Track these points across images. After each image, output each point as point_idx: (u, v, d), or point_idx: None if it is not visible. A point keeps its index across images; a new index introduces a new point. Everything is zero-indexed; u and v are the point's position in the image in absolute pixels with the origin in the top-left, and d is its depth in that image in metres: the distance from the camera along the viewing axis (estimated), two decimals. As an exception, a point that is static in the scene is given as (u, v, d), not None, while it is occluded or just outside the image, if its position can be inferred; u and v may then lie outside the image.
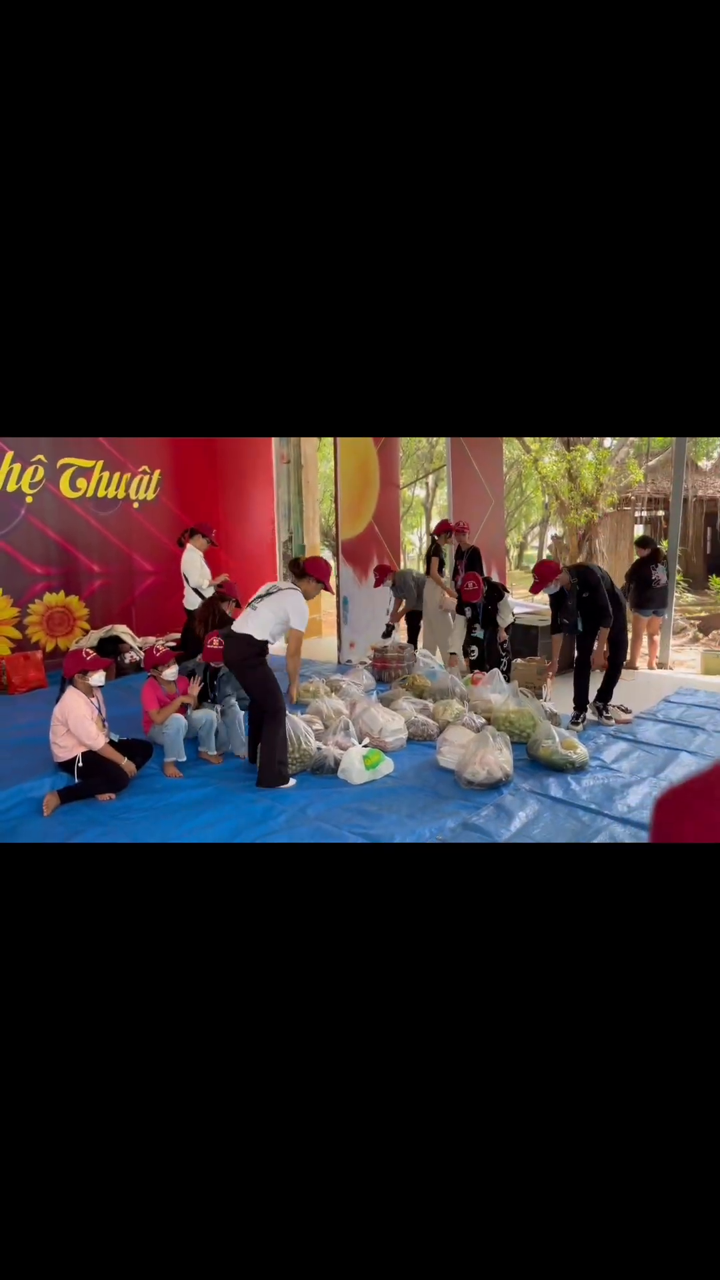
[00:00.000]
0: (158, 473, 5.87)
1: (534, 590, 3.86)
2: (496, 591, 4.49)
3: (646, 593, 5.30)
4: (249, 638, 3.03)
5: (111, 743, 3.11)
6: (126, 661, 5.13)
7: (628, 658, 5.48)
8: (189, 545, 4.60)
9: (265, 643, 3.05)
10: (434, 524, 6.87)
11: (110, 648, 5.12)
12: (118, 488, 5.59)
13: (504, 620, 4.50)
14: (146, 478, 5.80)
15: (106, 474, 5.48)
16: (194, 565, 4.55)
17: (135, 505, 5.75)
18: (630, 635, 5.42)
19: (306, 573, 3.18)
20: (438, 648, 5.17)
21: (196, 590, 4.54)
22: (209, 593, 4.48)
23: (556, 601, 3.91)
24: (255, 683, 3.08)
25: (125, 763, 3.07)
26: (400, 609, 5.35)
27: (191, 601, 4.58)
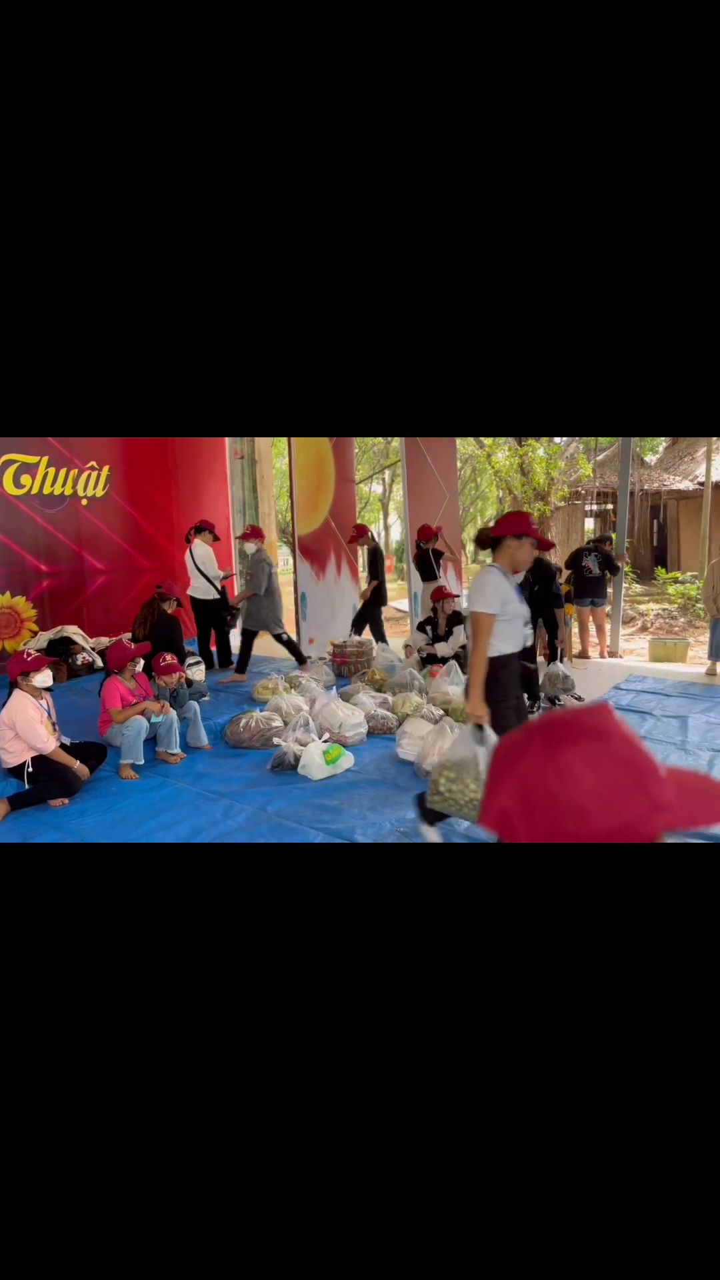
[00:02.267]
0: (106, 469, 5.71)
1: (494, 533, 2.41)
2: (457, 619, 4.55)
3: (581, 583, 5.46)
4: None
5: (63, 746, 3.02)
6: (79, 663, 4.98)
7: (580, 648, 5.64)
8: (196, 540, 4.93)
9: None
10: (394, 522, 6.89)
11: (61, 649, 4.97)
12: (65, 484, 5.41)
13: (453, 644, 4.51)
14: (95, 474, 5.63)
15: (52, 470, 5.29)
16: (209, 559, 4.93)
17: (84, 502, 5.58)
18: (576, 626, 5.58)
19: (497, 537, 2.26)
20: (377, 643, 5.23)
21: (212, 582, 4.90)
22: (220, 587, 4.95)
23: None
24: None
25: (78, 766, 2.99)
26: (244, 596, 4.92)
27: (208, 593, 4.96)
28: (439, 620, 4.67)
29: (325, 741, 3.34)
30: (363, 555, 5.78)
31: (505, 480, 9.29)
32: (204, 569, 4.90)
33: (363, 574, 5.78)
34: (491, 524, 2.41)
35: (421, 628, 4.69)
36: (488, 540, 2.36)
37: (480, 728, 2.17)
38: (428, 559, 5.46)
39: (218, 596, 5.03)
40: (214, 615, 5.13)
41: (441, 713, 3.71)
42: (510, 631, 2.26)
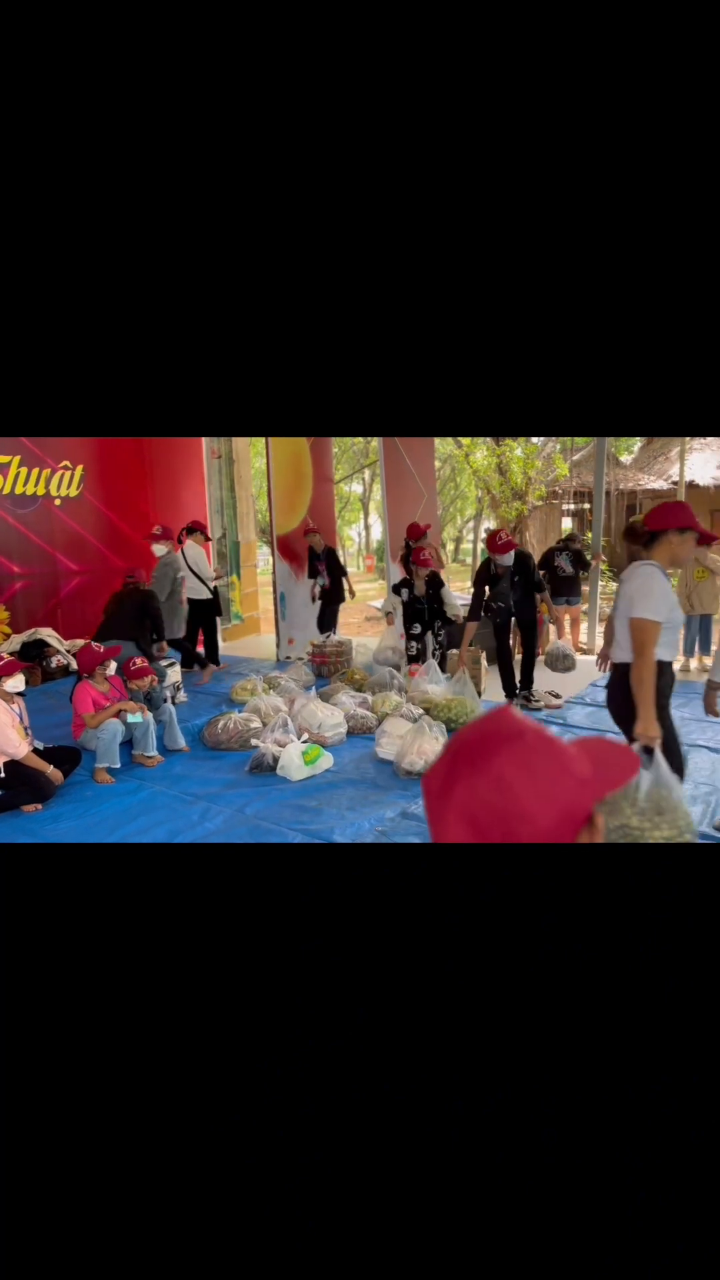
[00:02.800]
0: (80, 468, 5.62)
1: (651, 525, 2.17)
2: (436, 580, 4.55)
3: (555, 582, 5.52)
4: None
5: (36, 751, 2.97)
6: (53, 666, 4.90)
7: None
8: (188, 541, 4.99)
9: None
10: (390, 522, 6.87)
11: (34, 652, 4.88)
12: (37, 484, 5.31)
13: (451, 611, 4.56)
14: (68, 473, 5.54)
15: (24, 470, 5.20)
16: (201, 560, 5.01)
17: (57, 502, 5.49)
18: (552, 625, 5.64)
19: (655, 530, 2.02)
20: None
21: (204, 581, 4.97)
22: (214, 584, 5.03)
23: (485, 584, 3.97)
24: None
25: (51, 771, 2.93)
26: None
27: (200, 592, 5.03)
28: (415, 582, 4.54)
29: (304, 742, 3.32)
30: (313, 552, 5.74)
31: (484, 480, 9.35)
32: (196, 569, 4.96)
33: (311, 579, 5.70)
34: (647, 516, 2.08)
35: (397, 589, 4.64)
36: (643, 534, 2.05)
37: (650, 751, 1.84)
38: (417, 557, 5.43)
39: (210, 596, 5.08)
40: (205, 615, 5.16)
41: (420, 711, 3.72)
42: (670, 639, 1.98)
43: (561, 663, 4.46)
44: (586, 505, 10.93)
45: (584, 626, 5.94)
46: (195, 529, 5.11)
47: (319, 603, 5.63)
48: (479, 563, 4.19)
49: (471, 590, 4.18)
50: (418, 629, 4.53)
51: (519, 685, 4.13)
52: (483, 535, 15.33)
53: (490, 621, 4.14)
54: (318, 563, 5.60)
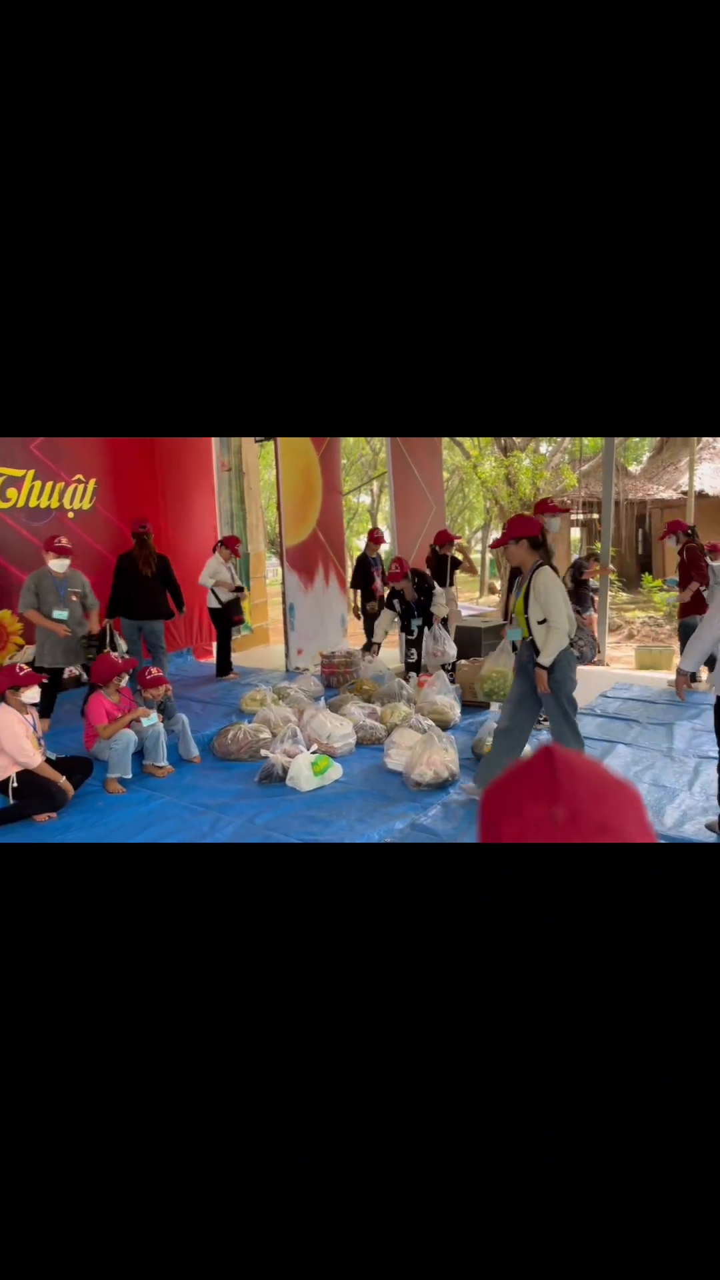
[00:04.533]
0: (93, 481, 5.69)
1: (499, 543, 3.28)
2: (425, 583, 4.52)
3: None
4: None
5: (49, 760, 3.00)
6: (65, 677, 4.94)
7: None
8: (214, 554, 5.24)
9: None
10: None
11: (47, 663, 4.92)
12: (51, 497, 5.39)
13: (439, 611, 4.53)
14: (81, 486, 5.62)
15: (39, 483, 5.28)
16: (219, 571, 5.18)
17: (70, 515, 5.56)
18: None
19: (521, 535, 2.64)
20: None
21: (214, 592, 5.17)
22: (226, 597, 5.13)
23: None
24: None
25: (63, 782, 2.96)
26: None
27: (212, 601, 5.20)
28: (405, 589, 4.47)
29: (313, 752, 3.33)
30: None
31: (491, 490, 9.38)
32: (212, 579, 5.19)
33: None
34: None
35: (389, 603, 4.59)
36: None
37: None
38: (444, 565, 5.38)
39: (220, 605, 5.22)
40: (219, 623, 5.31)
41: (430, 723, 3.72)
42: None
43: (590, 644, 4.40)
44: (595, 516, 10.92)
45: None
46: (223, 544, 5.33)
47: (363, 617, 5.65)
48: (502, 570, 4.13)
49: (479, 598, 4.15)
50: (414, 635, 4.53)
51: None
52: (490, 543, 15.31)
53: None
54: (373, 570, 5.55)
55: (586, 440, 10.72)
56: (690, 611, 4.81)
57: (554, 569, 2.68)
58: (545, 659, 2.62)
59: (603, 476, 6.20)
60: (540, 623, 2.62)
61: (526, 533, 2.65)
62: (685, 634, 4.87)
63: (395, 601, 4.51)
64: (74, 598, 3.97)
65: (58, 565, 3.87)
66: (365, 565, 5.84)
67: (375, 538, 6.13)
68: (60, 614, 3.89)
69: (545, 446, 10.88)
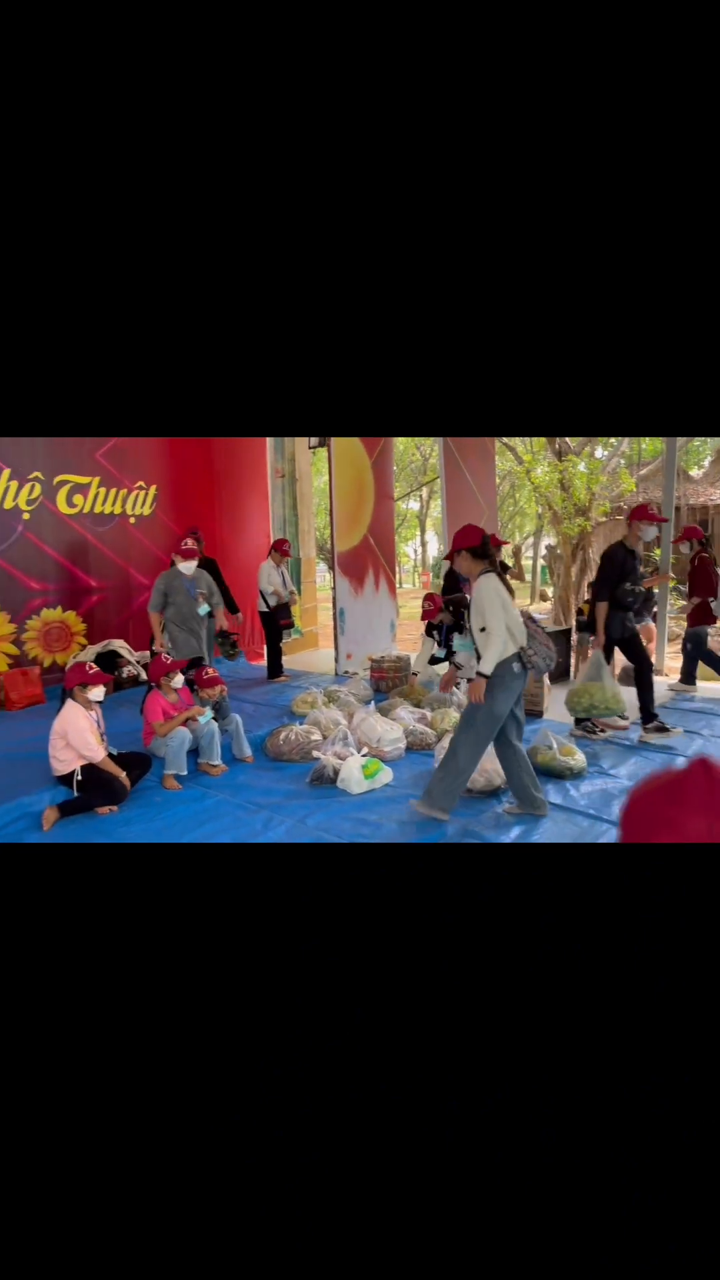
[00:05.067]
0: (154, 488, 5.91)
1: (449, 555, 3.11)
2: (462, 603, 4.47)
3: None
4: None
5: (111, 756, 3.12)
6: (124, 676, 5.13)
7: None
8: (268, 558, 5.36)
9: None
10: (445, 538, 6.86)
11: (108, 663, 5.13)
12: (114, 503, 5.62)
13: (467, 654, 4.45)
14: (143, 493, 5.84)
15: (103, 490, 5.51)
16: (271, 575, 5.28)
17: (132, 520, 5.78)
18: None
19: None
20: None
21: (264, 596, 5.28)
22: (273, 601, 5.24)
23: (620, 568, 3.67)
24: None
25: (123, 776, 3.07)
26: None
27: (262, 605, 5.30)
28: (445, 619, 4.38)
29: (364, 756, 3.35)
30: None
31: (545, 496, 9.21)
32: (263, 583, 5.31)
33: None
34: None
35: (430, 633, 4.55)
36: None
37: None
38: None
39: (268, 609, 5.31)
40: (268, 627, 5.41)
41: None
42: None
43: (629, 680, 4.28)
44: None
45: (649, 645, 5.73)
46: (274, 548, 5.41)
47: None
48: (554, 576, 4.03)
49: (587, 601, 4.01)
50: (440, 651, 4.45)
51: (643, 718, 3.74)
52: (542, 552, 15.04)
53: (561, 639, 3.99)
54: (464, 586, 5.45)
55: (645, 443, 10.40)
56: (698, 621, 4.66)
57: (501, 576, 2.65)
58: (484, 666, 2.58)
59: (663, 481, 6.01)
60: (481, 630, 2.59)
61: (466, 544, 2.66)
62: (696, 643, 4.68)
63: (435, 631, 4.48)
64: (201, 597, 4.10)
65: (185, 567, 3.99)
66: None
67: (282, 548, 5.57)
68: (203, 610, 4.07)
69: (601, 450, 10.62)
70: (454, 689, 4.25)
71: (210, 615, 4.15)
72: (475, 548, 2.65)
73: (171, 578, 4.04)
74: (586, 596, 6.16)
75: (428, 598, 4.51)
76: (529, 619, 2.74)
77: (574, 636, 5.66)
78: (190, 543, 4.15)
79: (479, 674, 2.61)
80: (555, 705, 4.40)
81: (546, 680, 4.44)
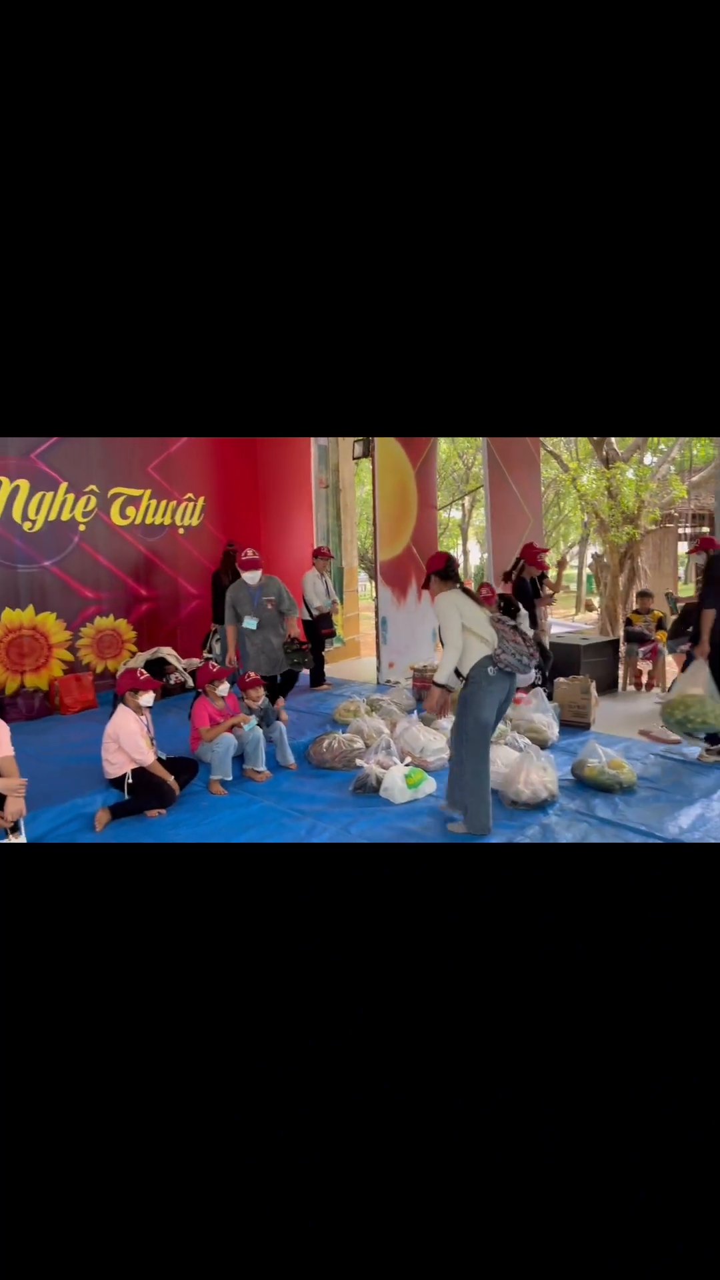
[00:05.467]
0: (202, 499, 6.07)
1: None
2: (510, 605, 4.48)
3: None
4: None
5: (160, 760, 3.20)
6: (172, 682, 5.27)
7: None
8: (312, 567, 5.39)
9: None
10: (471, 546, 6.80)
11: (157, 669, 5.27)
12: (164, 514, 5.80)
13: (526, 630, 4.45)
14: (191, 504, 6.00)
15: (154, 502, 5.69)
16: (314, 584, 5.35)
17: (181, 531, 5.95)
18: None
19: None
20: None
21: (307, 606, 5.31)
22: (316, 611, 5.27)
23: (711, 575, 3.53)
24: None
25: (172, 780, 3.15)
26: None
27: (305, 614, 5.32)
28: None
29: (407, 765, 3.34)
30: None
31: (591, 504, 9.04)
32: (306, 592, 5.37)
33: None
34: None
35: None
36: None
37: None
38: (527, 585, 5.07)
39: (310, 618, 5.35)
40: (310, 635, 5.45)
41: (526, 741, 3.63)
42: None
43: None
44: (705, 529, 10.23)
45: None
46: (316, 555, 5.49)
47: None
48: (600, 585, 3.98)
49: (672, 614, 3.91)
50: None
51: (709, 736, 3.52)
52: (588, 561, 14.72)
53: (608, 649, 3.92)
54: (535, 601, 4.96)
55: (697, 448, 10.10)
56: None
57: (468, 593, 2.86)
58: (439, 677, 2.78)
59: (715, 487, 5.81)
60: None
61: (432, 569, 2.96)
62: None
63: None
64: (269, 606, 4.03)
65: (250, 577, 3.99)
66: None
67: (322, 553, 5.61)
68: (249, 623, 4.08)
69: (650, 456, 10.36)
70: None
71: (260, 627, 4.09)
72: (441, 570, 2.92)
73: (237, 589, 4.05)
74: (635, 606, 6.00)
75: (484, 586, 4.51)
76: (499, 621, 2.82)
77: (622, 647, 5.52)
78: (251, 553, 4.10)
79: (434, 684, 2.82)
80: (603, 717, 4.30)
81: (594, 692, 4.35)
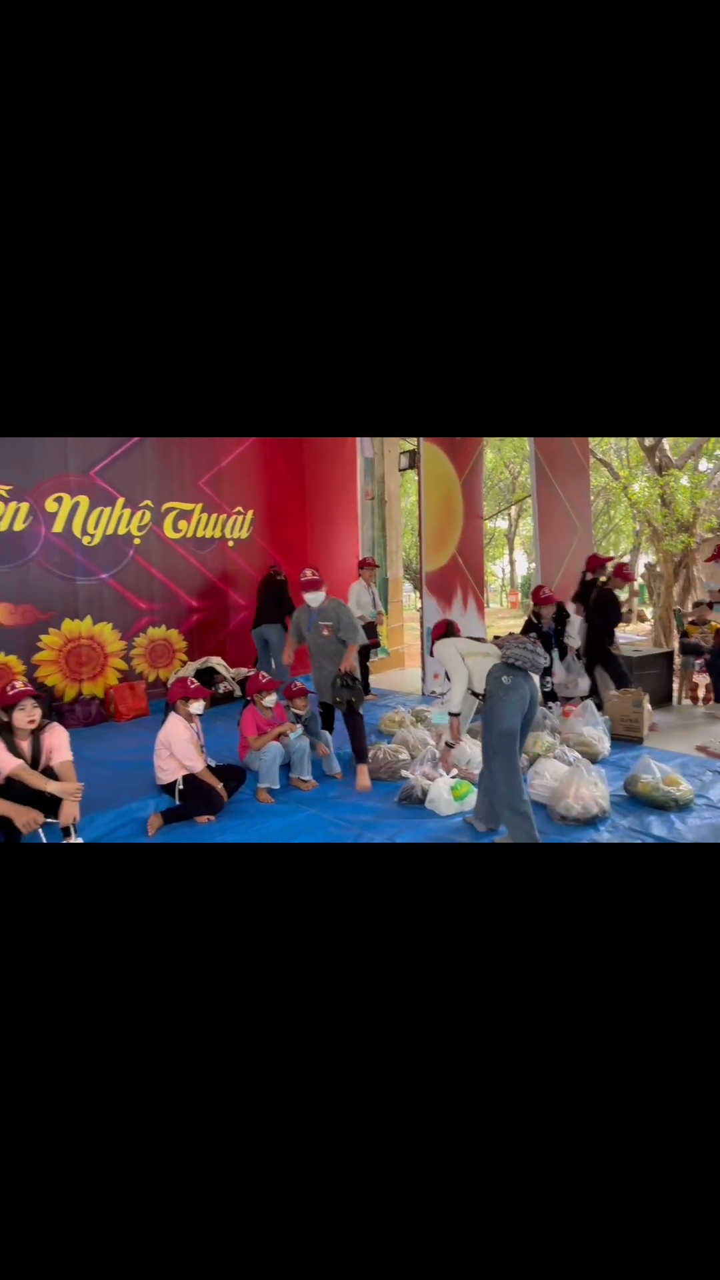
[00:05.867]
0: (251, 512, 6.21)
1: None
2: (562, 610, 4.49)
3: None
4: None
5: (209, 768, 3.28)
6: (220, 692, 5.39)
7: None
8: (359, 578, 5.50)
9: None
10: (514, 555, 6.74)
11: (206, 679, 5.40)
12: (215, 528, 5.96)
13: (572, 643, 4.50)
14: (241, 517, 6.16)
15: (205, 515, 5.87)
16: (360, 595, 5.46)
17: (230, 544, 6.10)
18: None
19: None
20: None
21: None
22: (361, 621, 5.30)
23: None
24: None
25: (220, 787, 3.21)
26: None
27: None
28: (543, 621, 4.53)
29: (453, 777, 3.31)
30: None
31: (644, 512, 8.80)
32: (352, 602, 5.44)
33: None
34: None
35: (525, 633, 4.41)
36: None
37: None
38: (588, 593, 4.87)
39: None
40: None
41: (576, 754, 3.54)
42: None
43: None
44: (767, 536, 9.79)
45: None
46: (362, 566, 5.56)
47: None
48: (653, 596, 3.94)
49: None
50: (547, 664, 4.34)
51: None
52: (641, 570, 14.32)
53: (660, 661, 3.83)
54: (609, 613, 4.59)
55: (756, 454, 9.71)
56: None
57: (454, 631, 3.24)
58: (450, 706, 3.15)
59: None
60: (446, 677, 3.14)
61: (436, 636, 3.24)
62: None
63: (530, 634, 4.41)
64: (325, 632, 3.55)
65: (311, 599, 3.60)
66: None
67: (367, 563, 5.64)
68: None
69: (705, 463, 10.02)
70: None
71: (315, 655, 3.64)
72: (442, 635, 3.23)
73: (299, 614, 3.72)
74: (691, 617, 5.79)
75: (540, 588, 4.53)
76: (508, 635, 2.98)
77: (677, 660, 5.33)
78: (310, 573, 3.64)
79: (450, 714, 3.13)
80: (658, 732, 4.15)
81: (646, 705, 4.22)
